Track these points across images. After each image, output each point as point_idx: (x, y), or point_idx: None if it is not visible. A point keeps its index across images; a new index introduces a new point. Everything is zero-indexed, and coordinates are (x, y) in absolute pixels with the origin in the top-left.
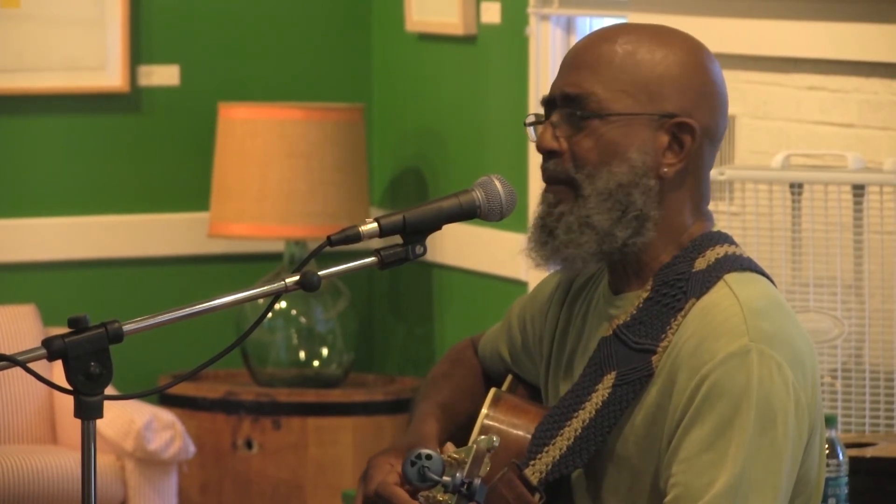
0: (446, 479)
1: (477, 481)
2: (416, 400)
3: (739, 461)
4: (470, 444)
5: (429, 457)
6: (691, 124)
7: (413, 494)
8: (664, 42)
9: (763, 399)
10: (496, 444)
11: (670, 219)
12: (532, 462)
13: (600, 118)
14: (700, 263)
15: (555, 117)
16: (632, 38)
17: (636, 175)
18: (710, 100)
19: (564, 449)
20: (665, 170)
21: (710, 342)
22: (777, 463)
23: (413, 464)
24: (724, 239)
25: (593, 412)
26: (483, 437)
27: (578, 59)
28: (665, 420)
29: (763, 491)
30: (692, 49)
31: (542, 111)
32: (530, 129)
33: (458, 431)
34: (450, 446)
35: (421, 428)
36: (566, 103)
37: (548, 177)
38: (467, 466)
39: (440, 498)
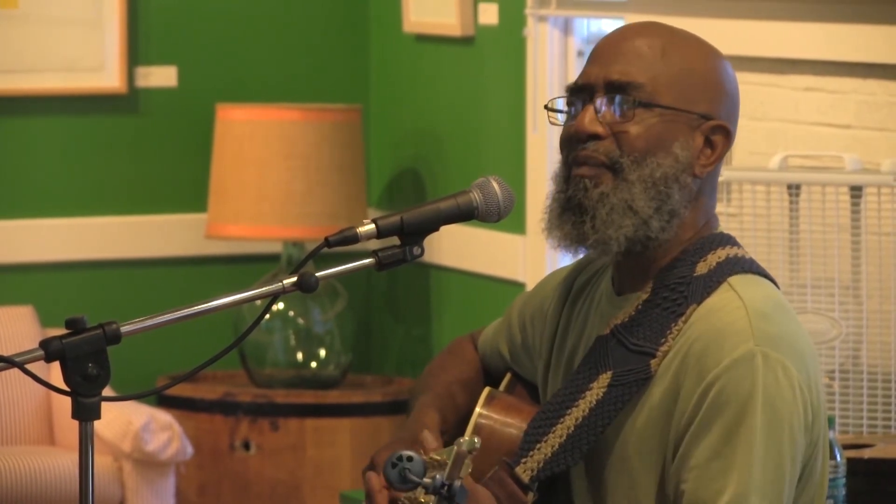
0: (427, 480)
1: (457, 483)
2: (415, 391)
3: (746, 468)
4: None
5: (410, 458)
6: (726, 127)
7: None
8: (696, 45)
9: (768, 404)
10: (477, 445)
11: (690, 219)
12: (524, 460)
13: (649, 109)
14: (701, 268)
15: (599, 101)
16: (669, 37)
17: (678, 170)
18: (735, 105)
19: (556, 447)
20: (698, 170)
21: (716, 347)
22: (782, 467)
23: (394, 465)
24: (727, 241)
25: (587, 410)
26: (465, 438)
27: (620, 50)
28: (671, 424)
29: (769, 495)
30: (718, 55)
31: (556, 103)
32: (557, 114)
33: (459, 424)
34: (429, 437)
35: (421, 419)
36: (612, 90)
37: (585, 158)
38: (447, 468)
39: (422, 499)
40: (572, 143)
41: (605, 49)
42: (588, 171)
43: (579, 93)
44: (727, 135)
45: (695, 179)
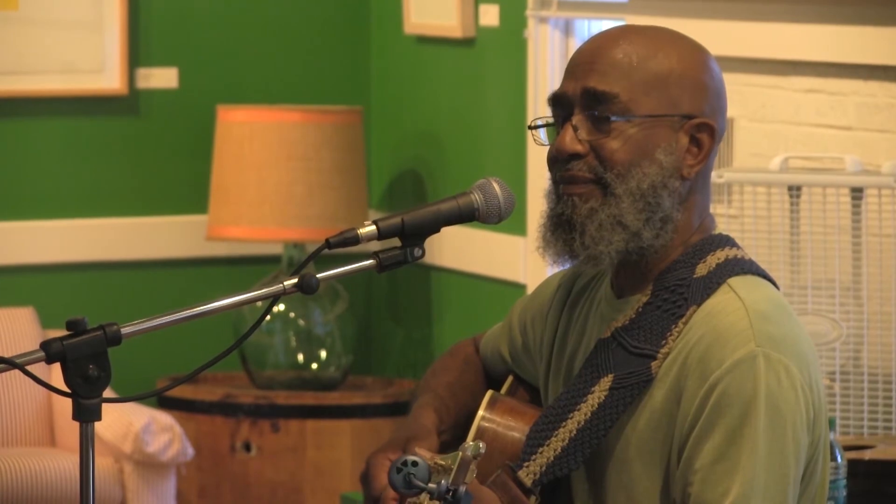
0: (431, 486)
1: (462, 488)
2: (416, 392)
3: (750, 469)
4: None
5: (415, 463)
6: (711, 124)
7: (402, 501)
8: (674, 44)
9: (771, 405)
10: (482, 450)
11: (685, 221)
12: (526, 464)
13: (627, 120)
14: (701, 269)
15: (576, 119)
16: (644, 41)
17: (665, 176)
18: (720, 100)
19: (559, 450)
20: (686, 171)
21: (718, 348)
22: (785, 467)
23: (399, 471)
24: (726, 242)
25: (589, 414)
26: (470, 443)
27: (594, 61)
28: (674, 426)
29: (774, 496)
30: (699, 50)
31: (542, 115)
32: (540, 132)
33: (457, 427)
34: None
35: (419, 419)
36: (587, 105)
37: (570, 177)
38: (453, 473)
39: None
40: (557, 162)
41: (579, 61)
42: (576, 189)
43: (558, 106)
44: (713, 131)
45: (684, 181)
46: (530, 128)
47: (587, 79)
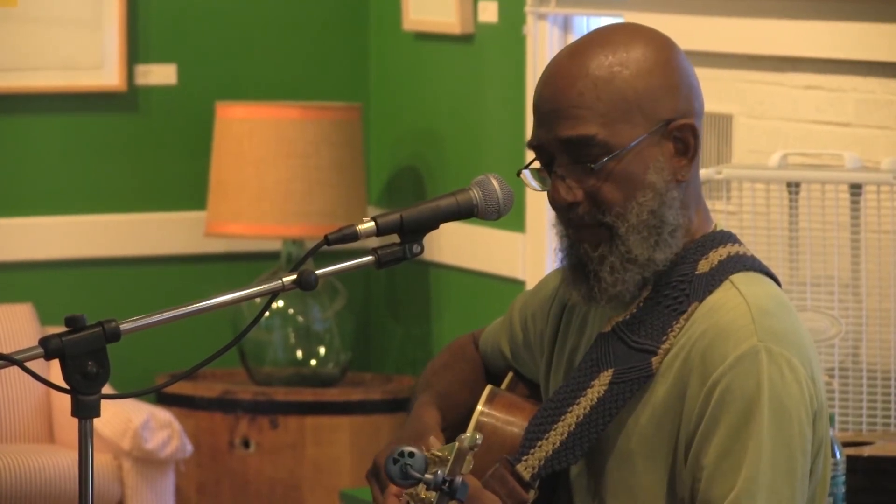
0: (428, 476)
1: (458, 479)
2: (416, 390)
3: (754, 464)
4: None
5: (411, 454)
6: (690, 124)
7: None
8: (630, 50)
9: (775, 399)
10: (479, 442)
11: (686, 220)
12: (525, 457)
13: (611, 160)
14: (703, 266)
15: (560, 169)
16: (600, 61)
17: (662, 193)
18: (690, 90)
19: (557, 444)
20: (681, 175)
21: (720, 344)
22: (793, 460)
23: (395, 461)
24: (728, 238)
25: (588, 408)
26: (467, 434)
27: (558, 107)
28: (678, 422)
29: (780, 490)
30: (657, 48)
31: (526, 174)
32: (529, 179)
33: (458, 423)
34: (435, 442)
35: (422, 417)
36: (567, 151)
37: (576, 224)
38: (449, 464)
39: (423, 495)
40: (556, 210)
41: (543, 108)
42: (585, 235)
43: (538, 151)
44: (694, 129)
45: (680, 185)
46: (518, 175)
47: (557, 128)
